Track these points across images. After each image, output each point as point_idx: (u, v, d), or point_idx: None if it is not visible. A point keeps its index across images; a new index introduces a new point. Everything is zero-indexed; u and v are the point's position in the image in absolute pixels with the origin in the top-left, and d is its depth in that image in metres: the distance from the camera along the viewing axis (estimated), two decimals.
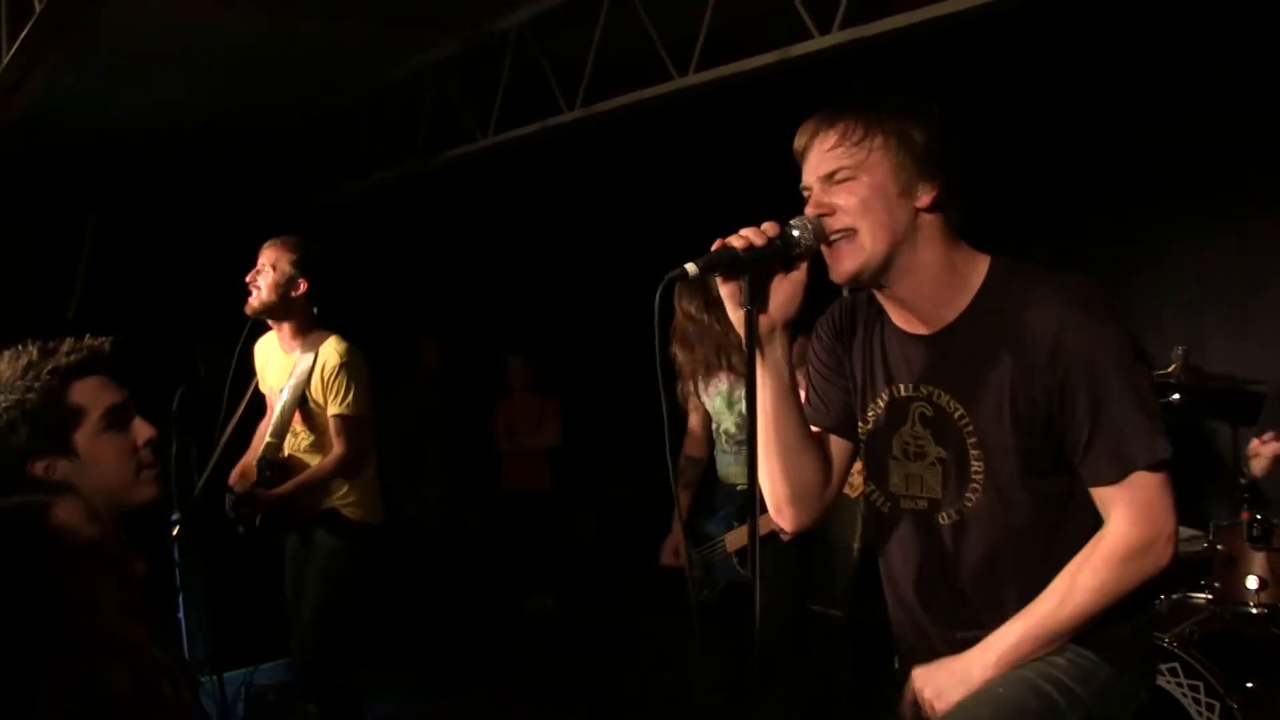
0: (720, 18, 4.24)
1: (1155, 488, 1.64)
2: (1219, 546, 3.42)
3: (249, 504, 3.42)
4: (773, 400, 1.76)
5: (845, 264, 1.69)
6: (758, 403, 1.71)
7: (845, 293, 1.91)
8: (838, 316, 1.93)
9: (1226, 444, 4.45)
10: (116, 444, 1.88)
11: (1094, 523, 1.70)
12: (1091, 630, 1.69)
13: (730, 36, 4.28)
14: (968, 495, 1.75)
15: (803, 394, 1.92)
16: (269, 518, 3.44)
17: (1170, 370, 4.08)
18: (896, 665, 1.95)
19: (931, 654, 1.83)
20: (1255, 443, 4.03)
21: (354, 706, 3.56)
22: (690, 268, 1.56)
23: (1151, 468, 1.64)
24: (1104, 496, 1.67)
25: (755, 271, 1.63)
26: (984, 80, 4.70)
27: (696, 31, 4.31)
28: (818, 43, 3.98)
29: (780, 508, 1.88)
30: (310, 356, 3.44)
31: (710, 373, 3.55)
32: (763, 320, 1.68)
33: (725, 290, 1.67)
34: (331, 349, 3.43)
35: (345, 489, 3.49)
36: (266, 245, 3.46)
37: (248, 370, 3.69)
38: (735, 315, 1.67)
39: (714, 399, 3.55)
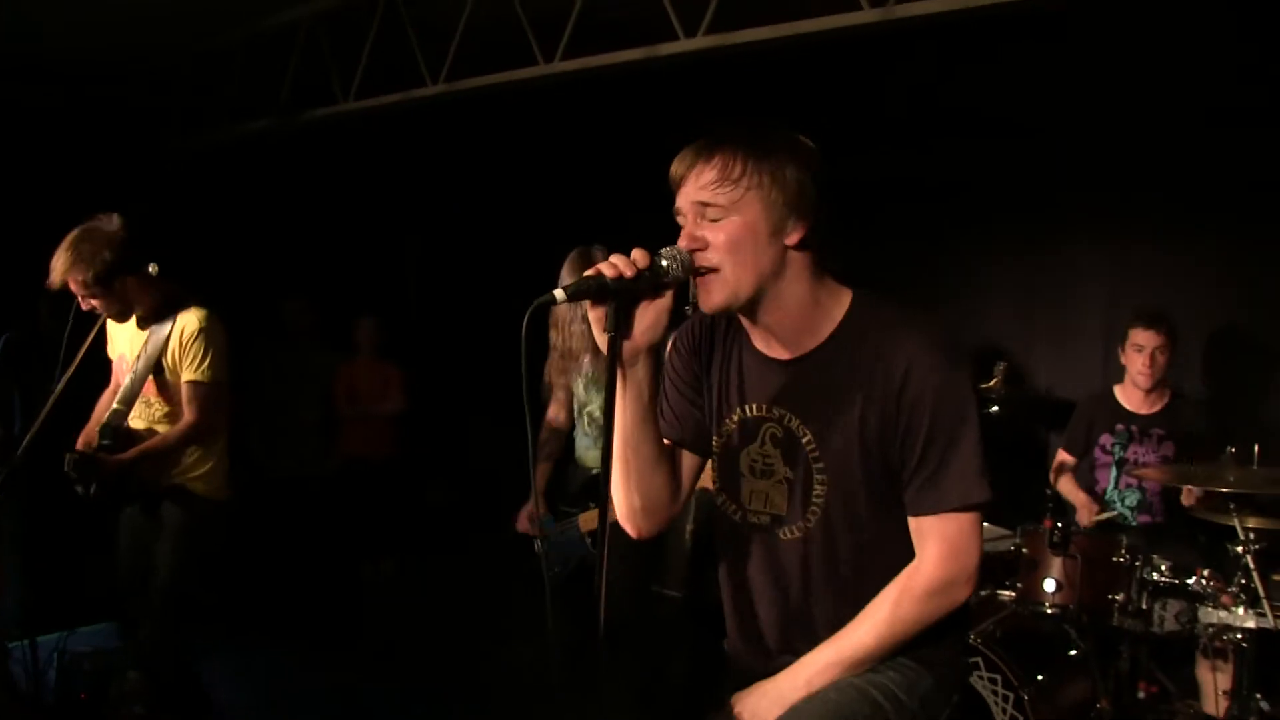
0: (590, 6, 4.28)
1: (965, 527, 1.75)
2: (1024, 549, 3.69)
3: (88, 467, 3.25)
4: (632, 421, 1.82)
5: (714, 298, 1.74)
6: (616, 423, 1.76)
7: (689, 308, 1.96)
8: (697, 332, 1.97)
9: (1039, 453, 4.79)
10: None
11: None
12: (917, 645, 1.81)
13: (600, 28, 4.33)
14: (808, 515, 1.83)
15: None
16: (109, 484, 3.29)
17: (992, 384, 4.37)
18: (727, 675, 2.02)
19: (759, 668, 1.92)
20: (1061, 453, 4.39)
21: (190, 677, 3.47)
22: (559, 294, 1.61)
23: (966, 509, 1.74)
24: (919, 527, 1.78)
25: (622, 299, 1.67)
26: (824, 99, 4.89)
27: (566, 19, 4.34)
28: (683, 45, 4.09)
29: (630, 517, 1.95)
30: (168, 325, 3.32)
31: (578, 356, 3.59)
32: (626, 345, 1.71)
33: (592, 315, 1.71)
34: (191, 315, 3.32)
35: (194, 460, 3.38)
36: (68, 268, 3.20)
37: (86, 325, 3.51)
38: (600, 339, 1.71)
39: (579, 381, 3.59)
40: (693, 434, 1.98)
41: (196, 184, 5.61)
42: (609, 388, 1.68)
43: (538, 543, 3.65)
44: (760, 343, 1.86)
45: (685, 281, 1.73)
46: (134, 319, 3.43)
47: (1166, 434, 4.13)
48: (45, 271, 4.88)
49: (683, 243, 1.73)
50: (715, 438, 1.95)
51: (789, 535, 1.86)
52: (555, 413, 3.72)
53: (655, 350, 1.78)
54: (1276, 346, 4.43)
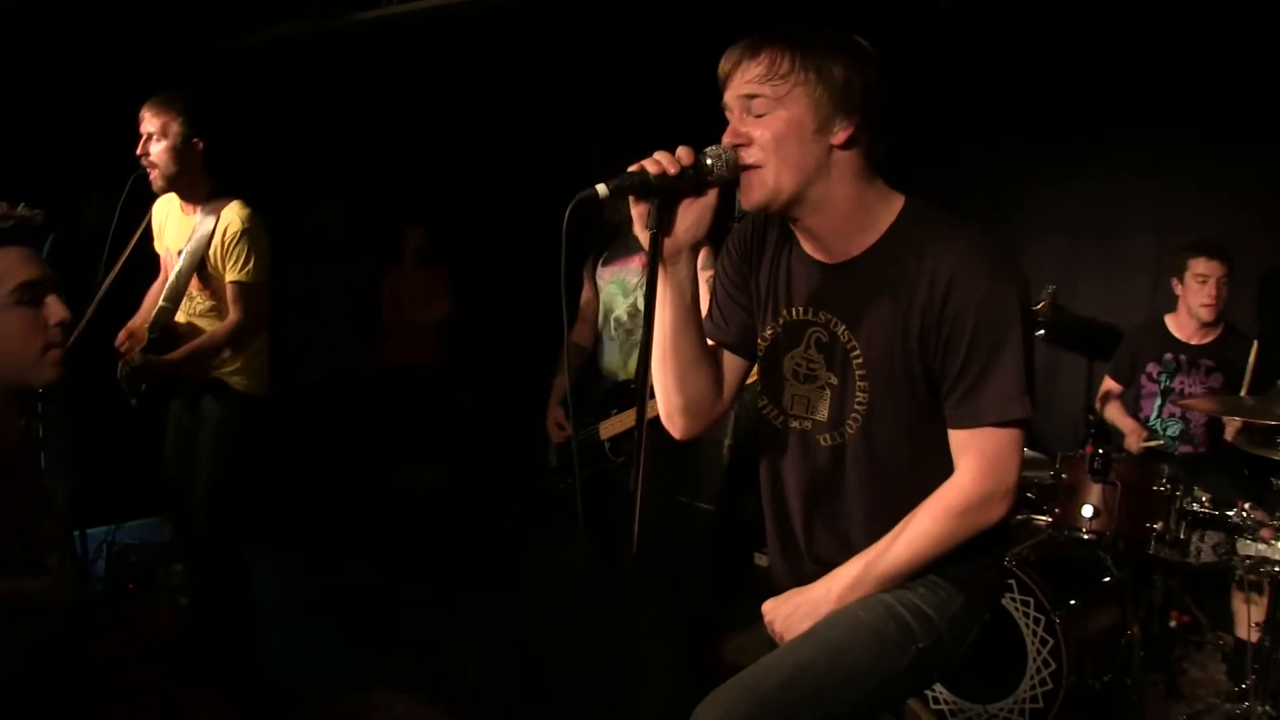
0: None
1: (1004, 443, 1.71)
2: (1063, 475, 3.66)
3: (143, 373, 3.31)
4: (673, 320, 1.80)
5: (754, 194, 1.71)
6: (656, 320, 1.75)
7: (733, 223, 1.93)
8: (748, 234, 1.95)
9: (1082, 380, 4.74)
10: (24, 320, 1.83)
11: None
12: (949, 563, 1.79)
13: None
14: (848, 423, 1.81)
15: (704, 305, 1.95)
16: (157, 385, 3.35)
17: (1039, 307, 4.30)
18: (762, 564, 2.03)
19: (793, 575, 1.93)
20: (1107, 380, 4.35)
21: (244, 575, 3.56)
22: (601, 189, 1.57)
23: (1005, 424, 1.69)
24: (957, 442, 1.74)
25: (665, 196, 1.65)
26: (871, 22, 4.74)
27: None
28: None
29: (671, 416, 1.94)
30: (211, 220, 3.31)
31: (611, 258, 3.57)
32: (668, 243, 1.70)
33: (635, 211, 1.68)
34: (234, 213, 3.31)
35: (234, 357, 3.42)
36: (149, 108, 3.24)
37: (132, 223, 3.54)
38: (642, 235, 1.68)
39: (609, 283, 3.56)
40: (739, 336, 1.97)
41: (232, 86, 5.55)
42: (649, 285, 1.66)
43: (552, 455, 3.67)
44: (808, 246, 1.83)
45: (730, 181, 1.70)
46: (177, 206, 3.43)
47: (1216, 365, 4.07)
48: (87, 173, 4.93)
49: (727, 139, 1.70)
50: (760, 340, 1.93)
51: (828, 441, 1.84)
52: (579, 329, 3.71)
53: (697, 249, 1.75)
54: None
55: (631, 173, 1.62)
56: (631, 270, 3.51)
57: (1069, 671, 3.12)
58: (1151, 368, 4.18)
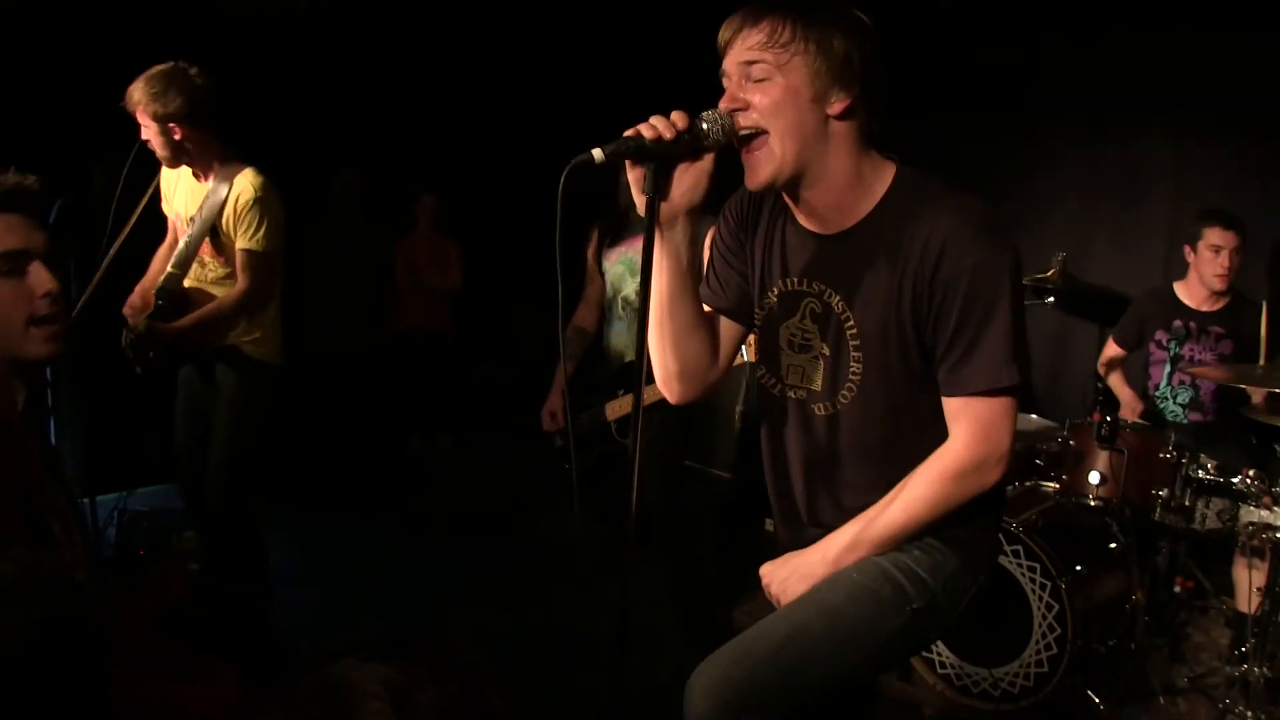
0: None
1: (996, 410, 1.72)
2: (1071, 442, 3.67)
3: (148, 341, 3.28)
4: (669, 284, 1.82)
5: (760, 172, 1.71)
6: (653, 285, 1.77)
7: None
8: (745, 203, 1.96)
9: (1093, 348, 4.73)
10: (3, 291, 1.71)
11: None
12: (944, 526, 1.81)
13: None
14: (843, 392, 1.83)
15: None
16: (165, 351, 3.32)
17: (1049, 274, 4.29)
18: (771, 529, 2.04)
19: (793, 540, 1.95)
20: (1111, 345, 4.33)
21: (258, 543, 3.56)
22: (597, 153, 1.57)
23: (996, 391, 1.71)
24: (950, 409, 1.75)
25: (661, 161, 1.65)
26: None
27: None
28: None
29: (667, 381, 1.96)
30: (224, 187, 3.28)
31: (617, 240, 3.57)
32: (665, 207, 1.71)
33: (631, 176, 1.69)
34: (247, 181, 3.28)
35: (248, 325, 3.41)
36: (127, 98, 3.18)
37: (139, 188, 3.52)
38: (639, 200, 1.69)
39: (617, 264, 3.55)
40: (736, 303, 1.98)
41: (249, 52, 5.52)
42: (645, 250, 1.66)
43: (558, 438, 3.66)
44: (803, 218, 1.84)
45: (725, 145, 1.70)
46: (189, 172, 3.41)
47: (1226, 333, 4.05)
48: (99, 138, 4.90)
49: (724, 104, 1.70)
50: (757, 310, 1.95)
51: (824, 410, 1.87)
52: (583, 313, 3.71)
53: (693, 214, 1.76)
54: None
55: (627, 137, 1.63)
56: (639, 250, 3.48)
57: (1074, 636, 3.13)
58: (1160, 335, 4.16)
